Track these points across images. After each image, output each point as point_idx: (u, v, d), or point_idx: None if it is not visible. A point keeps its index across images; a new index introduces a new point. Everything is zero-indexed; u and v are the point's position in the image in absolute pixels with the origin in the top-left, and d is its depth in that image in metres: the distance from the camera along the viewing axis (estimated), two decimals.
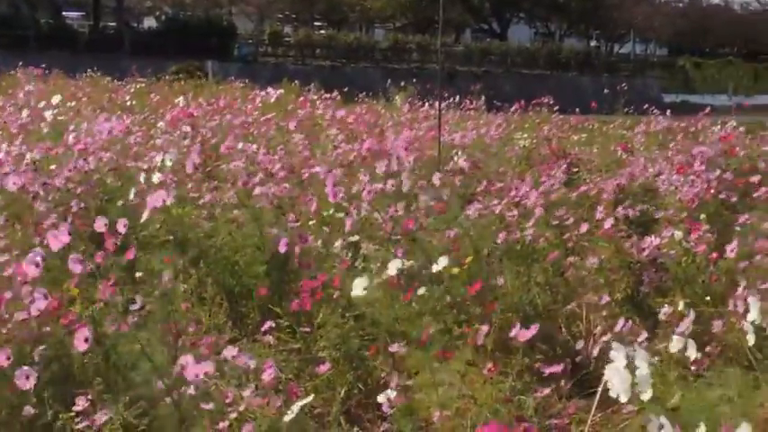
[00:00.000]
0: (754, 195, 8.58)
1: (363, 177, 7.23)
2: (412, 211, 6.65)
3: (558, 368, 4.49)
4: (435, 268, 4.96)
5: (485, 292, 5.56)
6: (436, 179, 7.45)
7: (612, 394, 3.54)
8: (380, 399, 4.03)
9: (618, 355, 3.48)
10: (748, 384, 4.13)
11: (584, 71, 45.69)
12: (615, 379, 3.44)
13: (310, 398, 3.87)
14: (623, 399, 3.36)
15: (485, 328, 4.51)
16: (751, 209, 8.35)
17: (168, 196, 5.42)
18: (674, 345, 4.12)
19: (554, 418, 4.32)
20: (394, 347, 4.43)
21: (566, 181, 9.08)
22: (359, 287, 4.81)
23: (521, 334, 4.44)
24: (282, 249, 5.80)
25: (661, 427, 3.29)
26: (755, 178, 8.96)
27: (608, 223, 6.62)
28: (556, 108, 16.32)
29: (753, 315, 4.11)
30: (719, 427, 3.33)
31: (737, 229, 7.37)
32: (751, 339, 4.07)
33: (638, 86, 43.72)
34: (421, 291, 5.16)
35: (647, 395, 3.45)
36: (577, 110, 17.61)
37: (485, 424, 3.68)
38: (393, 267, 5.04)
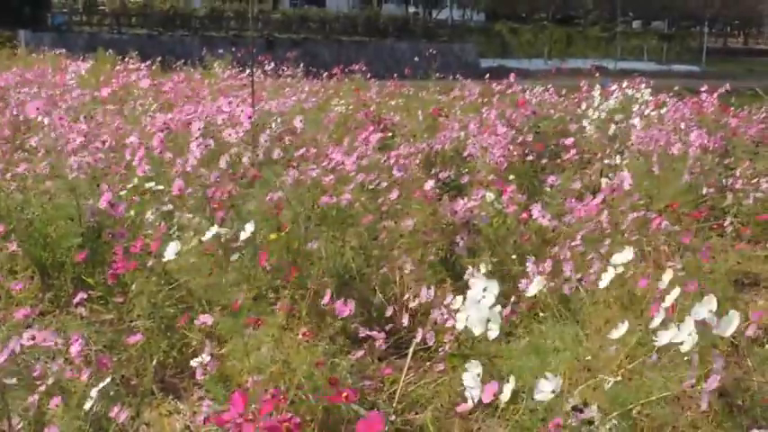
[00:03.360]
0: (565, 157, 8.85)
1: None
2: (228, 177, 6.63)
3: (372, 332, 4.56)
4: (243, 235, 4.96)
5: (301, 258, 5.60)
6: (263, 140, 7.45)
7: (467, 325, 3.62)
8: (193, 364, 4.03)
9: (475, 287, 3.56)
10: (557, 337, 4.27)
11: (403, 37, 46.01)
12: (472, 311, 3.53)
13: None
14: (477, 331, 3.45)
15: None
16: (562, 170, 8.61)
17: None
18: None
19: (368, 379, 4.39)
20: (202, 319, 4.41)
21: (381, 146, 9.15)
22: (171, 252, 4.79)
23: (339, 308, 4.51)
24: (104, 205, 5.72)
25: (478, 375, 3.40)
26: (568, 141, 9.25)
27: (428, 185, 6.72)
28: (369, 75, 16.44)
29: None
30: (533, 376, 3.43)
31: (547, 189, 7.60)
32: (533, 290, 4.24)
33: (456, 52, 44.38)
34: (234, 257, 5.17)
35: (494, 331, 3.54)
36: (395, 75, 17.73)
37: (299, 387, 3.73)
38: (209, 233, 5.03)
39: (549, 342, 3.75)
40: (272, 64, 17.38)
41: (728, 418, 3.81)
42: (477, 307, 3.60)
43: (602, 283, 4.34)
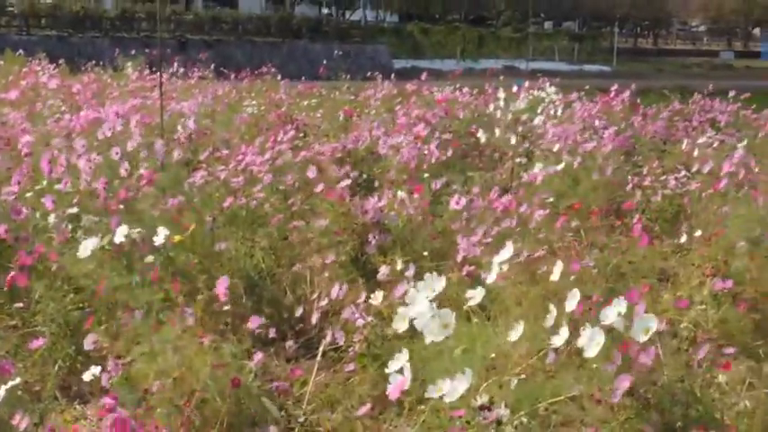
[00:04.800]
0: (474, 155, 8.89)
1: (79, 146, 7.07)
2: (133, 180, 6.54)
3: (275, 332, 4.53)
4: (158, 240, 4.91)
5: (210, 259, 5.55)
6: (159, 146, 7.35)
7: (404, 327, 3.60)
8: (87, 376, 3.97)
9: (419, 294, 3.53)
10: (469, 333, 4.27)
11: (316, 38, 45.93)
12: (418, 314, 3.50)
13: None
14: (429, 339, 3.42)
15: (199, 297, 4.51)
16: (472, 169, 8.64)
17: None
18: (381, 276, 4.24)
19: (276, 381, 4.34)
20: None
21: (293, 146, 9.10)
22: (86, 250, 4.74)
23: (252, 321, 4.46)
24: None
25: (401, 371, 3.38)
26: (464, 140, 9.30)
27: (319, 187, 6.69)
28: (283, 76, 16.39)
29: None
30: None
31: (455, 188, 7.62)
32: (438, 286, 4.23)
33: (369, 53, 44.41)
34: (149, 259, 5.09)
35: (446, 332, 3.52)
36: (309, 76, 17.70)
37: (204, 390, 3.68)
38: (120, 234, 4.97)
39: (454, 342, 3.73)
40: (184, 65, 17.22)
41: (638, 413, 3.83)
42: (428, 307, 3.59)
43: (490, 278, 4.36)
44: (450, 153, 8.91)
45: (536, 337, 3.72)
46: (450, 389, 3.22)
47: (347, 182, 7.15)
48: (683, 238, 6.70)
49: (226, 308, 4.75)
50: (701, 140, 9.82)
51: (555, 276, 4.28)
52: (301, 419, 4.08)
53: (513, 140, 10.01)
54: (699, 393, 3.96)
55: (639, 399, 3.80)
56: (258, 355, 4.26)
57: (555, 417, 3.55)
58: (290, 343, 4.83)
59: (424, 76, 14.55)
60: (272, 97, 13.49)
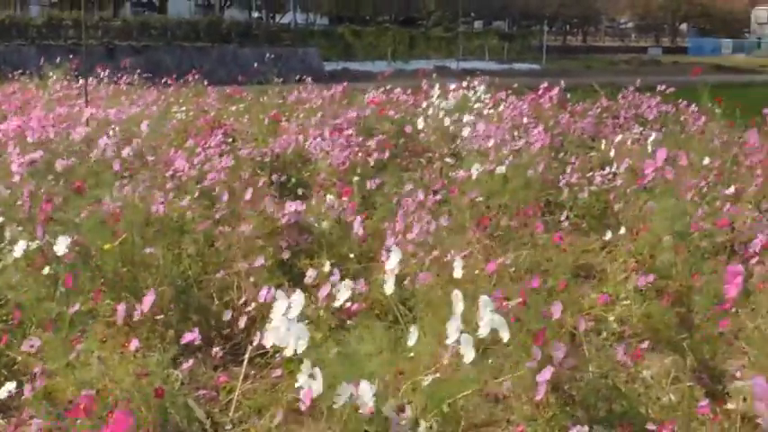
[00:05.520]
0: (405, 156, 8.91)
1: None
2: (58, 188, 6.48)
3: (202, 339, 4.49)
4: (57, 249, 4.88)
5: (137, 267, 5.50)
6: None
7: (271, 341, 3.58)
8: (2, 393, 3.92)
9: (279, 304, 3.52)
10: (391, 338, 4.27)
11: (246, 42, 45.67)
12: (274, 329, 3.49)
13: None
14: (289, 351, 3.41)
15: (121, 308, 4.46)
16: (403, 170, 8.66)
17: None
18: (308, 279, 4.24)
19: (203, 388, 4.32)
20: (28, 343, 4.27)
21: (222, 151, 9.06)
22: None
23: (187, 337, 4.43)
24: None
25: (312, 376, 3.37)
26: (393, 141, 9.31)
27: (248, 195, 6.66)
28: (213, 80, 16.31)
29: (392, 263, 4.27)
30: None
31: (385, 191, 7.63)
32: (389, 288, 4.21)
33: (300, 55, 44.30)
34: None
35: (301, 345, 3.51)
36: (237, 81, 17.61)
37: (127, 401, 3.64)
38: (62, 246, 4.93)
39: (365, 347, 3.74)
40: (111, 72, 17.09)
41: (562, 409, 3.86)
42: (286, 323, 3.58)
43: (389, 286, 4.36)
44: (380, 155, 8.92)
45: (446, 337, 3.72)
46: (356, 394, 3.24)
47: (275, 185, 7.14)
48: (609, 235, 6.76)
49: (158, 317, 4.72)
50: (626, 136, 9.90)
51: (457, 274, 4.30)
52: (228, 427, 4.05)
53: (443, 140, 10.04)
54: (623, 388, 3.99)
55: (564, 395, 3.84)
56: (185, 363, 4.24)
57: (465, 414, 3.57)
58: (216, 350, 4.80)
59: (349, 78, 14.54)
60: (201, 103, 13.41)
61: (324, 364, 3.45)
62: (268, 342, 3.65)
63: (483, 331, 3.52)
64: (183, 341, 4.46)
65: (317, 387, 3.32)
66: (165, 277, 5.46)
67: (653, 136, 9.48)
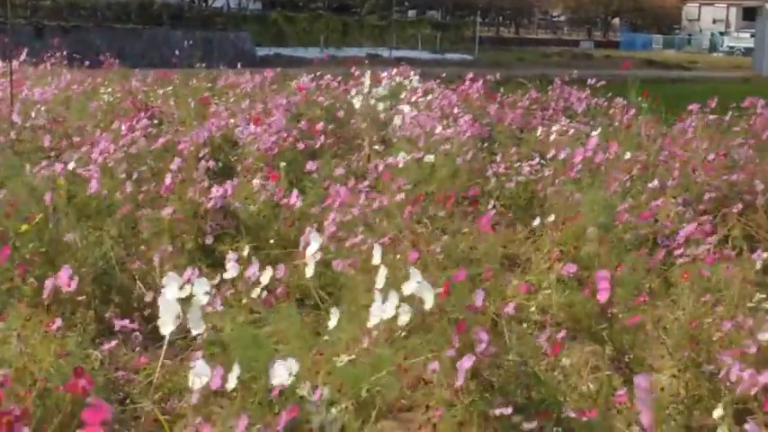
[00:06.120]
0: (326, 144, 8.90)
1: None
2: None
3: (124, 322, 4.46)
4: None
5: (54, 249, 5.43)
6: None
7: (161, 325, 3.56)
8: None
9: (170, 286, 3.49)
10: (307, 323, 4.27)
11: (178, 25, 45.22)
12: (163, 310, 3.46)
13: None
14: (165, 330, 3.38)
15: (48, 283, 4.41)
16: (332, 156, 8.65)
17: None
18: (230, 272, 4.22)
19: (122, 370, 4.28)
20: None
21: (148, 134, 8.99)
22: None
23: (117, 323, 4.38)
24: None
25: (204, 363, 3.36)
26: (320, 126, 9.30)
27: (168, 179, 6.61)
28: (137, 63, 16.11)
29: (312, 249, 4.27)
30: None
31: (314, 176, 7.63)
32: (309, 271, 4.22)
33: (232, 40, 43.99)
34: None
35: (199, 328, 3.49)
36: (167, 63, 17.44)
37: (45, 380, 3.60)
38: None
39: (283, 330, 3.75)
40: (40, 52, 16.85)
41: (482, 396, 3.88)
42: (167, 307, 3.57)
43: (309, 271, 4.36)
44: (309, 141, 8.91)
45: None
46: (278, 374, 3.24)
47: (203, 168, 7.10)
48: (536, 223, 6.82)
49: (80, 298, 4.68)
50: (554, 128, 9.97)
51: (376, 261, 4.32)
52: (148, 408, 4.02)
53: (373, 127, 10.05)
54: (542, 376, 4.03)
55: (483, 382, 3.86)
56: (105, 344, 4.21)
57: (383, 398, 3.58)
58: (137, 332, 4.76)
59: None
60: (129, 84, 13.26)
61: (241, 347, 3.44)
62: (164, 330, 3.64)
63: (407, 291, 3.56)
64: (110, 326, 4.43)
65: (232, 369, 3.31)
66: (86, 259, 5.40)
67: (594, 130, 9.61)
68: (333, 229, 5.61)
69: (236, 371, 3.29)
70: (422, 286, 3.62)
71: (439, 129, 9.23)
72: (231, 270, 4.25)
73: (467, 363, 3.71)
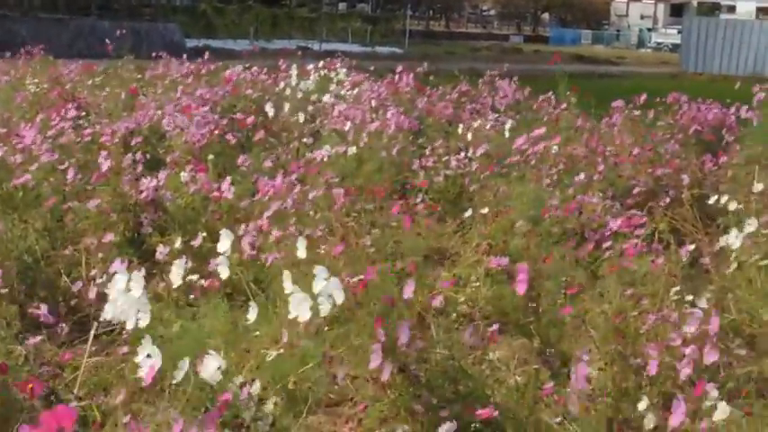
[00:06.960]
0: (256, 137, 8.86)
1: None
2: None
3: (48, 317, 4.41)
4: None
5: None
6: None
7: (108, 317, 3.52)
8: None
9: (118, 279, 3.46)
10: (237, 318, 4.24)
11: (106, 15, 44.72)
12: (111, 303, 3.43)
13: None
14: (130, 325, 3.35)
15: None
16: (259, 148, 8.61)
17: None
18: (174, 278, 4.20)
19: (47, 365, 4.23)
20: None
21: (75, 125, 8.88)
22: None
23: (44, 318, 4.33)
24: None
25: (149, 355, 3.33)
26: (251, 119, 9.26)
27: (104, 166, 6.55)
28: (63, 53, 15.88)
29: (224, 245, 4.26)
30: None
31: (243, 168, 7.59)
32: (224, 272, 4.21)
33: (161, 31, 43.60)
34: None
35: (144, 320, 3.46)
36: (95, 54, 17.23)
37: None
38: None
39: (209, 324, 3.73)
40: None
41: (407, 390, 3.89)
42: (125, 297, 3.53)
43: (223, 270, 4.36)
44: (237, 134, 8.87)
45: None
46: (208, 368, 3.23)
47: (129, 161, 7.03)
48: (467, 215, 6.85)
49: (2, 291, 4.62)
50: (475, 124, 9.98)
51: (301, 254, 4.33)
52: (73, 404, 3.97)
53: (302, 120, 10.02)
54: (469, 370, 4.05)
55: (410, 376, 3.87)
56: (30, 339, 4.16)
57: (311, 393, 3.58)
58: (63, 326, 4.70)
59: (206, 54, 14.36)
60: (55, 75, 13.07)
61: (167, 341, 3.42)
62: (107, 314, 3.59)
63: (317, 288, 3.57)
64: (32, 318, 4.38)
65: (157, 363, 3.29)
66: (11, 252, 5.33)
67: (508, 123, 9.64)
68: (265, 222, 5.59)
69: (184, 366, 3.26)
70: (330, 284, 3.63)
71: (368, 122, 9.23)
72: (175, 271, 4.20)
73: (377, 359, 3.70)
